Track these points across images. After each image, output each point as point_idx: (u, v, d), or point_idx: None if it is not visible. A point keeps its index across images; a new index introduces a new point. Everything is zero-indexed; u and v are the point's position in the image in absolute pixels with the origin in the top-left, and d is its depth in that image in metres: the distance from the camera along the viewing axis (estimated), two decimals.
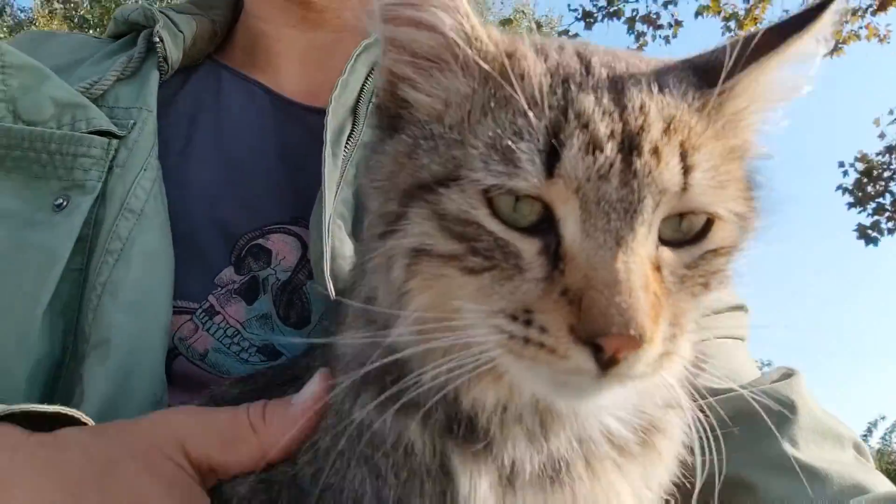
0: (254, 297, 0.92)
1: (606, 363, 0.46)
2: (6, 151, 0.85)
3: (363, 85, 1.01)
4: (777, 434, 0.78)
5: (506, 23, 10.07)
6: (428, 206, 0.50)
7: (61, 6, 11.52)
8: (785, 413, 0.80)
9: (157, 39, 1.01)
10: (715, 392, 0.84)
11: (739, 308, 1.00)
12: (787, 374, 0.89)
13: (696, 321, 0.58)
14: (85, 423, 0.67)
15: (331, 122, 0.94)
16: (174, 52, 1.03)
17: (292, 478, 0.63)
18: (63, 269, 0.82)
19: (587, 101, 0.49)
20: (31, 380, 0.79)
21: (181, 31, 1.05)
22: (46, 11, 11.29)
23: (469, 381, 0.53)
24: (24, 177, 0.86)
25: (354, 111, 0.99)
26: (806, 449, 0.79)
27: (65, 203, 0.85)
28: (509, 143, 0.48)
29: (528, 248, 0.49)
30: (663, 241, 0.52)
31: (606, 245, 0.47)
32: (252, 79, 1.10)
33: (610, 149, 0.48)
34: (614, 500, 0.59)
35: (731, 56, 0.52)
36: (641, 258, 0.48)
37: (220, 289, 0.92)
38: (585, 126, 0.48)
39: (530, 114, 0.48)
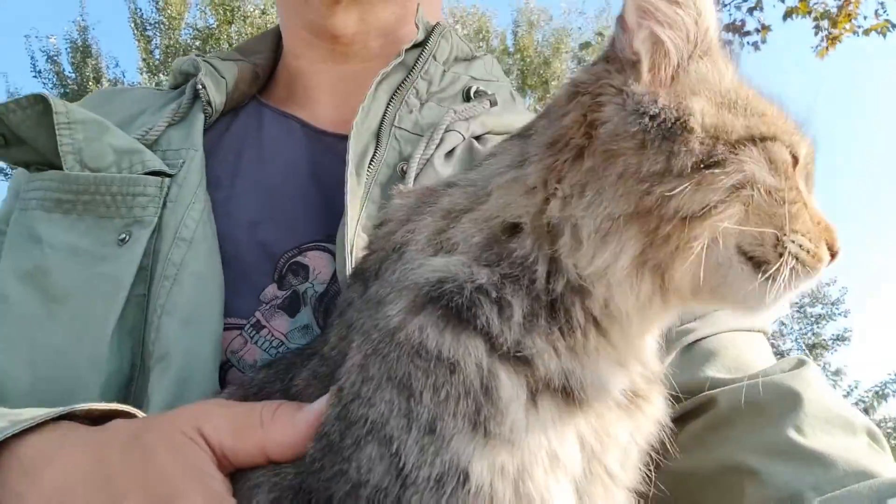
0: (296, 310, 0.99)
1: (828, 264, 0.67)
2: (77, 196, 0.96)
3: (385, 111, 1.07)
4: (782, 422, 0.80)
5: (585, 46, 10.10)
6: (760, 150, 0.63)
7: (166, 79, 12.50)
8: (791, 402, 0.81)
9: (201, 86, 1.11)
10: (722, 383, 0.87)
11: None
12: (799, 364, 0.89)
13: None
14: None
15: (353, 146, 1.01)
16: (217, 97, 1.13)
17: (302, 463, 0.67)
18: (128, 295, 0.92)
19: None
20: (104, 393, 0.88)
21: (223, 77, 1.15)
22: (154, 84, 12.27)
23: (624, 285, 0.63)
24: (93, 217, 0.96)
25: (377, 135, 1.05)
26: (812, 436, 0.79)
27: (127, 237, 0.96)
28: (792, 124, 0.70)
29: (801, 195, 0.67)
30: None
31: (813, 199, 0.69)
32: (290, 114, 1.18)
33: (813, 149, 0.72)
34: (611, 433, 0.65)
35: None
36: None
37: (264, 305, 0.99)
38: (797, 127, 0.71)
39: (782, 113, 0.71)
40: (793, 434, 0.78)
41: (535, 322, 0.62)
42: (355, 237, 0.92)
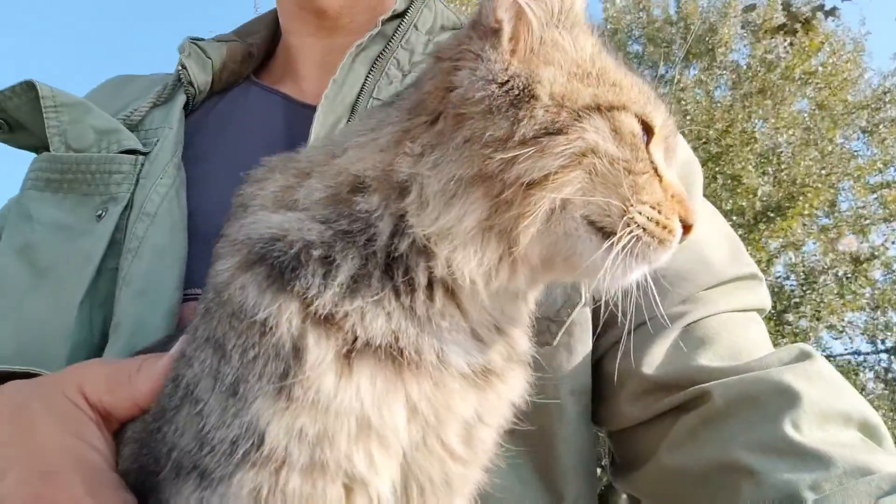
0: None
1: (681, 238, 0.66)
2: (62, 175, 1.03)
3: (364, 82, 1.06)
4: (778, 418, 0.77)
5: (750, 9, 9.39)
6: (604, 119, 0.62)
7: None
8: (789, 398, 0.78)
9: (181, 67, 1.15)
10: (716, 373, 0.83)
11: (751, 277, 0.94)
12: (801, 357, 0.84)
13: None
14: None
15: (320, 117, 1.01)
16: (200, 76, 1.15)
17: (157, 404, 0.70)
18: (98, 268, 0.97)
19: (646, 86, 0.69)
20: (70, 361, 0.93)
21: (209, 58, 1.17)
22: None
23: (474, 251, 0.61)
24: (76, 195, 1.03)
25: (354, 106, 1.04)
26: (809, 433, 0.76)
27: (103, 213, 1.01)
28: (647, 91, 0.68)
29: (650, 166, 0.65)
30: None
31: (673, 175, 0.69)
32: (275, 90, 1.20)
33: (670, 120, 0.70)
34: (451, 406, 0.62)
35: None
36: None
37: None
38: (662, 101, 0.70)
39: (640, 84, 0.69)
40: (790, 431, 0.76)
41: (365, 282, 0.60)
42: None
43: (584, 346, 0.89)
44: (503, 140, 0.60)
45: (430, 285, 0.62)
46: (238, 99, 1.21)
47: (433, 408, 0.61)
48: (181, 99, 1.13)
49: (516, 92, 0.61)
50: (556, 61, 0.65)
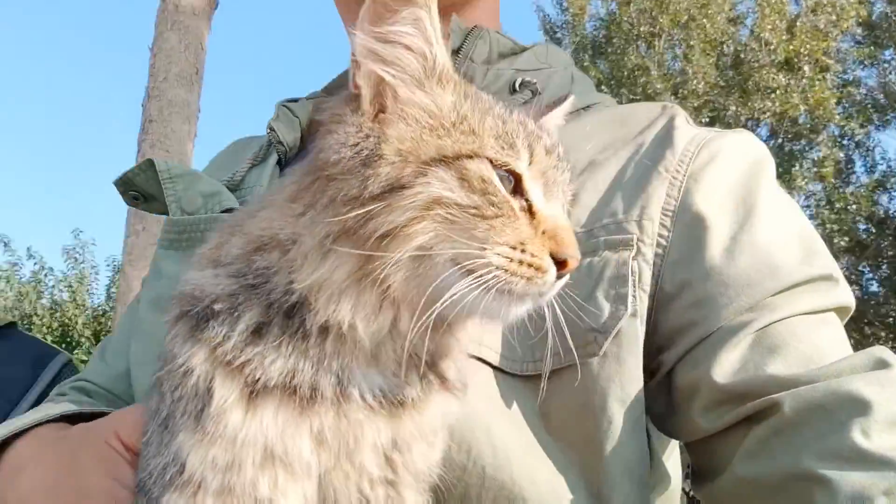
0: None
1: (559, 275, 0.68)
2: (179, 235, 1.17)
3: None
4: (847, 426, 0.76)
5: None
6: (450, 170, 0.66)
7: None
8: (861, 407, 0.77)
9: (269, 129, 1.27)
10: (787, 383, 0.83)
11: (825, 279, 0.90)
12: (878, 365, 0.81)
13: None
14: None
15: None
16: (288, 135, 1.24)
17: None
18: None
19: (531, 125, 0.74)
20: None
21: (296, 117, 1.27)
22: None
23: (341, 299, 0.67)
24: (192, 251, 1.15)
25: None
26: (878, 439, 0.74)
27: None
28: (510, 136, 0.70)
29: (517, 204, 0.69)
30: None
31: (559, 207, 0.72)
32: None
33: (555, 154, 0.74)
34: (358, 435, 0.69)
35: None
36: (568, 221, 0.73)
37: None
38: (539, 139, 0.72)
39: (510, 126, 0.71)
40: (859, 439, 0.75)
41: (267, 329, 0.68)
42: None
43: (634, 357, 0.89)
44: (357, 198, 0.65)
45: (324, 329, 0.68)
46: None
47: (339, 437, 0.68)
48: (273, 158, 1.24)
49: (366, 153, 0.66)
50: (410, 118, 0.69)
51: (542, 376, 0.84)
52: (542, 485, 0.84)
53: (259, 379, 0.66)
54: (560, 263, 0.67)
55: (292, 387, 0.67)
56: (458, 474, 0.83)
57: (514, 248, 0.66)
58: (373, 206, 0.64)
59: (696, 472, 0.94)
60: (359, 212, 0.64)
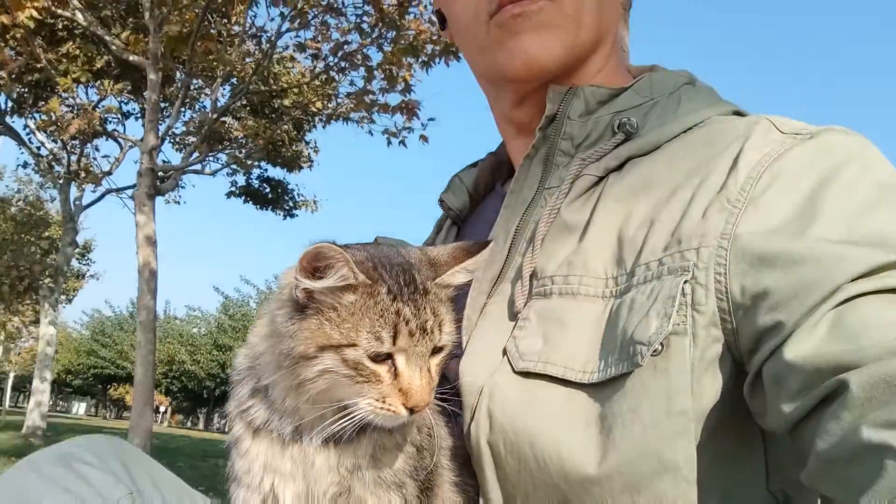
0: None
1: (412, 413, 0.96)
2: None
3: (541, 178, 1.28)
4: None
5: None
6: (336, 353, 0.96)
7: None
8: None
9: (440, 201, 1.52)
10: (856, 361, 0.84)
11: None
12: None
13: None
14: None
15: (502, 223, 1.28)
16: (456, 202, 1.49)
17: None
18: None
19: (406, 311, 0.98)
20: None
21: (464, 183, 1.49)
22: None
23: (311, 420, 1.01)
24: None
25: (531, 201, 1.26)
26: None
27: None
28: (378, 330, 0.96)
29: (384, 371, 0.97)
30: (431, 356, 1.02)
31: (416, 370, 0.98)
32: (503, 191, 1.39)
33: (417, 333, 0.98)
34: (315, 461, 1.01)
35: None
36: (428, 378, 0.99)
37: None
38: (406, 323, 0.97)
39: (385, 318, 0.97)
40: None
41: (255, 395, 1.05)
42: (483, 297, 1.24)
43: (681, 373, 0.95)
44: (287, 354, 0.97)
45: (282, 405, 1.02)
46: (485, 205, 1.48)
47: (304, 461, 1.01)
48: (447, 225, 1.51)
49: (292, 332, 0.98)
50: (319, 312, 0.97)
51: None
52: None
53: (251, 422, 1.04)
54: (410, 409, 0.96)
55: (273, 432, 1.02)
56: (518, 467, 1.03)
57: (377, 400, 0.96)
58: (294, 364, 0.98)
59: (798, 465, 0.95)
60: (285, 364, 0.99)
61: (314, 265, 0.96)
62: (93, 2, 10.88)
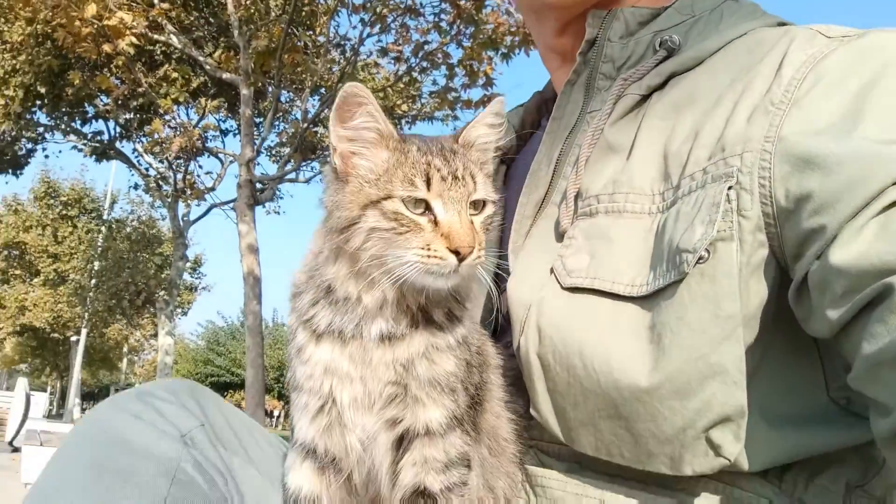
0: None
1: (460, 260, 0.99)
2: None
3: (582, 103, 1.30)
4: None
5: None
6: (377, 209, 1.01)
7: None
8: None
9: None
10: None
11: None
12: None
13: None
14: None
15: (544, 149, 1.32)
16: (504, 143, 1.42)
17: None
18: None
19: (437, 161, 1.03)
20: None
21: (510, 123, 1.49)
22: None
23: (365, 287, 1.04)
24: None
25: (574, 126, 1.30)
26: None
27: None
28: (412, 177, 1.01)
29: (425, 221, 1.01)
30: (472, 213, 1.06)
31: (455, 214, 1.02)
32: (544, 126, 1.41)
33: (450, 179, 1.02)
34: (373, 357, 1.05)
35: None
36: (467, 220, 1.03)
37: None
38: (438, 170, 1.02)
39: (417, 167, 1.02)
40: None
41: (319, 302, 1.09)
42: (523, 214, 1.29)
43: (728, 277, 0.95)
44: (337, 229, 1.04)
45: (346, 299, 1.06)
46: (532, 142, 1.50)
47: (363, 358, 1.05)
48: (495, 163, 1.46)
49: (337, 202, 1.05)
50: (358, 177, 1.05)
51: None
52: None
53: (316, 328, 1.07)
54: (456, 252, 0.99)
55: (334, 332, 1.06)
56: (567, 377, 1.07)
57: (423, 249, 0.99)
58: (344, 234, 1.03)
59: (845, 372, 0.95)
60: (338, 238, 1.04)
61: (346, 111, 1.04)
62: (186, 25, 11.45)
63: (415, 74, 12.05)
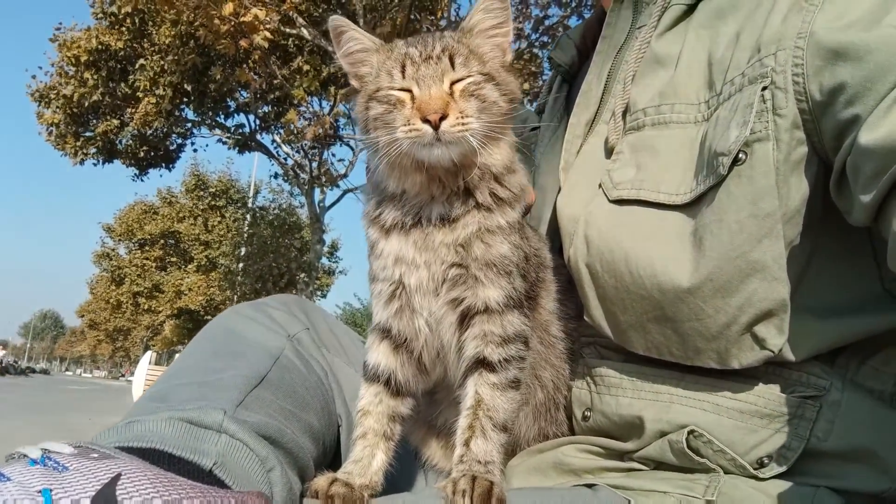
0: None
1: (434, 127, 1.09)
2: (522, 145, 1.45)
3: (631, 24, 1.32)
4: None
5: None
6: (374, 99, 1.18)
7: None
8: None
9: (549, 59, 1.65)
10: None
11: None
12: None
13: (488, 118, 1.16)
14: None
15: (595, 68, 1.36)
16: (565, 58, 1.58)
17: None
18: None
19: (413, 50, 1.18)
20: None
21: (571, 38, 1.57)
22: None
23: (398, 176, 1.19)
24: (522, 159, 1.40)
25: (621, 47, 1.33)
26: None
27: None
28: (390, 69, 1.18)
29: (407, 98, 1.15)
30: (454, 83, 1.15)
31: (426, 89, 1.14)
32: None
33: (421, 62, 1.16)
34: (435, 240, 1.16)
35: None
36: (439, 92, 1.13)
37: None
38: (411, 58, 1.16)
39: (395, 59, 1.18)
40: None
41: (382, 203, 1.23)
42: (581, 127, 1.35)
43: (765, 177, 0.97)
44: (364, 128, 1.22)
45: (402, 193, 1.20)
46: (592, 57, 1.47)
47: (425, 242, 1.17)
48: (557, 81, 1.62)
49: (361, 106, 1.23)
50: (364, 81, 1.24)
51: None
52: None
53: (384, 224, 1.21)
54: (427, 121, 1.09)
55: (398, 224, 1.19)
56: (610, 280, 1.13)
57: (405, 125, 1.12)
58: (367, 132, 1.21)
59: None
60: (365, 139, 1.22)
61: (336, 42, 1.24)
62: (315, 18, 11.95)
63: (535, 50, 11.99)
